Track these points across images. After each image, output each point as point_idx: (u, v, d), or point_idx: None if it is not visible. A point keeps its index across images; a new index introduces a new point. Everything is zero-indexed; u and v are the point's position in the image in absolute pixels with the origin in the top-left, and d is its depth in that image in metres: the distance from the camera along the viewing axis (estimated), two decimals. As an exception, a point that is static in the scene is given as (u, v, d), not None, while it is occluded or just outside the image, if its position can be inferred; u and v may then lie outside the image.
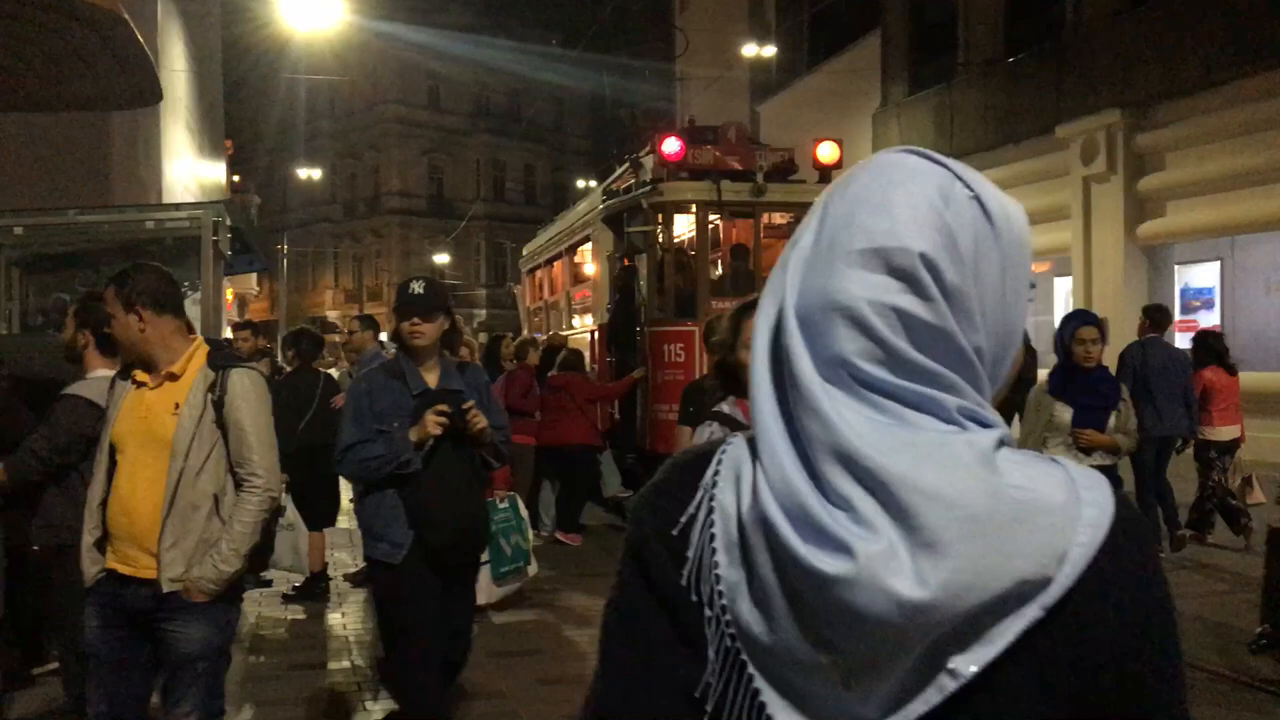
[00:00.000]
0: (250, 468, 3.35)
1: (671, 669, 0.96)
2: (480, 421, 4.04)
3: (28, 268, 8.29)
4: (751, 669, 0.91)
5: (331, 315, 45.02)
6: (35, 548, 4.08)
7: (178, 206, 10.01)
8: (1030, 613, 0.85)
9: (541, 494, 10.03)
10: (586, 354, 11.38)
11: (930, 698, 0.86)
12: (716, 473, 0.98)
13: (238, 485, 3.36)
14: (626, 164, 11.52)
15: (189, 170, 18.40)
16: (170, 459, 3.26)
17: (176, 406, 3.30)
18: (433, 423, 3.94)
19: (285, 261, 42.95)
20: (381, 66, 48.38)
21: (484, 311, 47.91)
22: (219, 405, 3.32)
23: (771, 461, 0.90)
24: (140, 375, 3.39)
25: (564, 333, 13.09)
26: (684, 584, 0.95)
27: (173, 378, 3.35)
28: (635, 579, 1.01)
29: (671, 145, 9.82)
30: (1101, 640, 0.88)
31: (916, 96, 19.73)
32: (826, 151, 10.16)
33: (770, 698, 0.90)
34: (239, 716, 4.97)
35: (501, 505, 6.82)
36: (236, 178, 31.79)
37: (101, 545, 3.35)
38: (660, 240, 10.08)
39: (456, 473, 4.08)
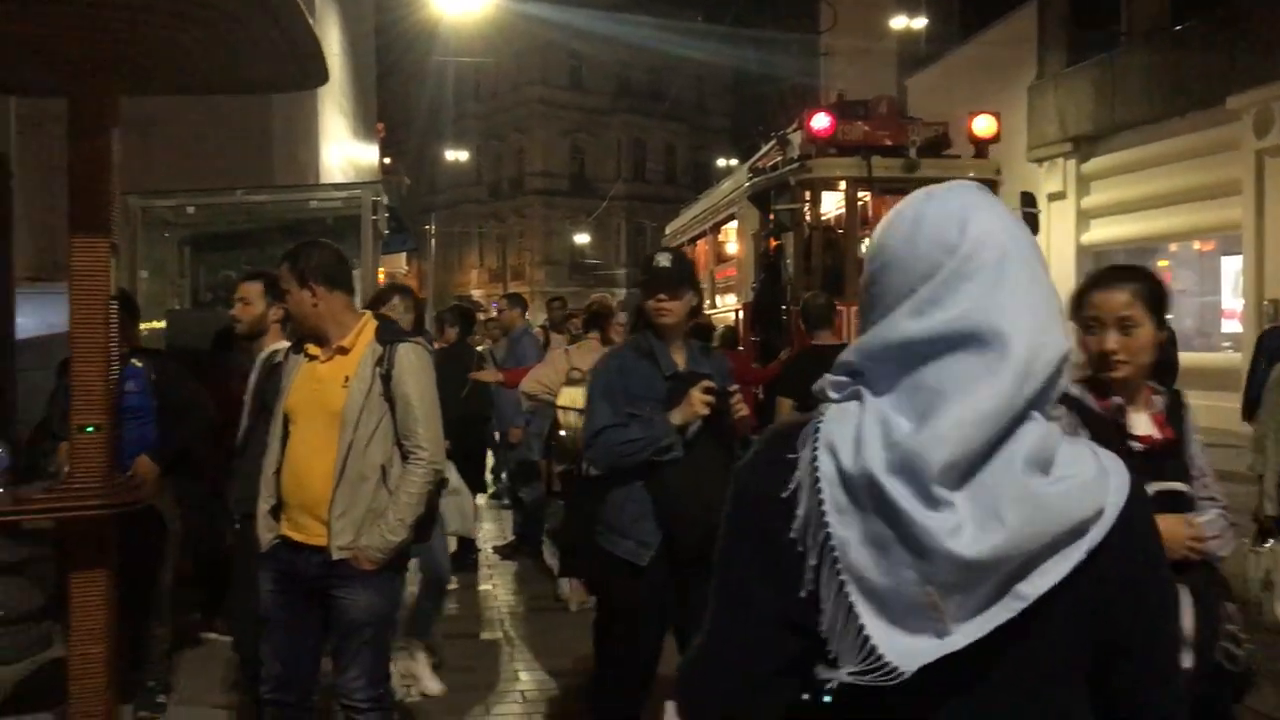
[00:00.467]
0: (416, 440, 3.42)
1: (771, 600, 1.23)
2: (743, 409, 3.64)
3: (196, 246, 8.66)
4: (859, 607, 1.15)
5: (476, 294, 45.95)
6: (237, 518, 4.20)
7: (338, 186, 10.35)
8: (1076, 555, 1.16)
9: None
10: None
11: (999, 617, 1.14)
12: (815, 445, 1.21)
13: (404, 457, 3.43)
14: (773, 141, 11.37)
15: (343, 152, 18.97)
16: (340, 430, 3.35)
17: (346, 379, 3.40)
18: (700, 402, 3.50)
19: (433, 241, 43.98)
20: (526, 48, 48.99)
21: (624, 291, 48.22)
22: (387, 378, 3.40)
23: (895, 445, 1.16)
24: (312, 349, 3.50)
25: (706, 311, 13.04)
26: (793, 537, 1.20)
27: (343, 351, 3.45)
28: (744, 532, 1.27)
29: (820, 121, 9.64)
30: (1125, 576, 1.20)
31: (1075, 67, 18.93)
32: (983, 125, 9.83)
33: (874, 628, 1.15)
34: (398, 682, 5.11)
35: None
36: (387, 160, 32.66)
37: (276, 513, 3.47)
38: (808, 218, 9.93)
39: (711, 463, 3.51)
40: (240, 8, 3.54)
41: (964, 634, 1.14)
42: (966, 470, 1.14)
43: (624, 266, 50.36)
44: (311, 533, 3.38)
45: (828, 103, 12.88)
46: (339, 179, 16.76)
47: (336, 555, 3.33)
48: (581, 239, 50.27)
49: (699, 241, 14.74)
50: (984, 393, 1.15)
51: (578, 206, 51.04)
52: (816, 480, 1.19)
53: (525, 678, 5.37)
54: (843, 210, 10.24)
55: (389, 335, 3.50)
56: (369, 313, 3.62)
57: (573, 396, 6.53)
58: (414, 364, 3.46)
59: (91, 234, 3.98)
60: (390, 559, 3.40)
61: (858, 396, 1.23)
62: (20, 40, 3.90)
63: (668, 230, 17.92)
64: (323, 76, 4.63)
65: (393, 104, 45.66)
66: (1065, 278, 15.34)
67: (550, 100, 51.74)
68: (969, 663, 1.15)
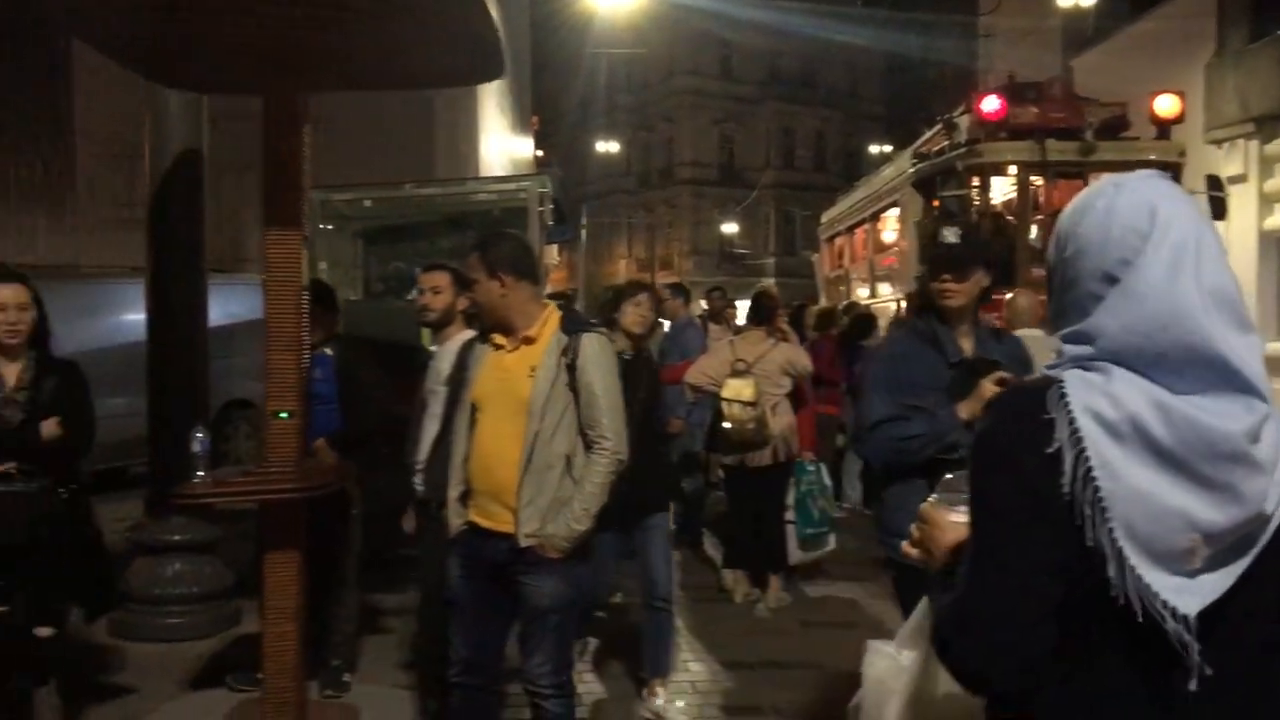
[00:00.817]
0: (599, 430, 3.43)
1: (1038, 551, 1.33)
2: None
3: (367, 239, 8.93)
4: (1128, 550, 1.28)
5: (625, 284, 46.19)
6: (433, 503, 4.25)
7: (505, 179, 10.54)
8: None
9: (845, 465, 9.83)
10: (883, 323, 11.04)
11: (1242, 563, 1.31)
12: (1070, 409, 1.32)
13: (587, 447, 3.44)
14: (939, 125, 11.09)
15: (501, 145, 19.35)
16: (526, 419, 3.38)
17: (532, 369, 3.42)
18: (992, 394, 3.11)
19: (585, 232, 44.42)
20: (676, 38, 48.95)
21: (773, 280, 47.81)
22: (571, 368, 3.41)
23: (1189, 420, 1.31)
24: (498, 339, 3.54)
25: (865, 301, 12.81)
26: (1064, 491, 1.31)
27: (529, 341, 3.48)
28: (1007, 490, 1.36)
29: (991, 104, 9.34)
30: None
31: (1260, 43, 17.82)
32: (1166, 104, 9.37)
33: (1139, 562, 1.28)
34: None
35: (810, 467, 6.75)
36: (540, 152, 33.14)
37: (465, 499, 3.54)
38: (976, 204, 9.63)
39: None
40: (431, 2, 3.61)
41: (1221, 576, 1.30)
42: (1256, 436, 1.30)
43: (773, 255, 49.94)
44: (499, 520, 3.43)
45: (988, 86, 12.45)
46: (496, 172, 17.10)
47: (524, 543, 3.36)
48: (730, 228, 50.02)
49: (857, 230, 14.50)
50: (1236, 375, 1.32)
51: (726, 196, 50.78)
52: (1079, 440, 1.31)
53: (696, 668, 5.35)
54: (1014, 196, 9.90)
55: (574, 325, 3.52)
56: (553, 303, 3.64)
57: (737, 388, 6.50)
58: (598, 354, 3.46)
59: (285, 228, 4.11)
60: (575, 547, 3.41)
61: (1086, 367, 1.37)
62: (220, 41, 4.05)
63: (824, 218, 17.69)
64: (499, 69, 4.70)
65: (545, 97, 46.32)
66: (1247, 265, 14.52)
67: (700, 90, 51.60)
68: (1220, 609, 1.30)
